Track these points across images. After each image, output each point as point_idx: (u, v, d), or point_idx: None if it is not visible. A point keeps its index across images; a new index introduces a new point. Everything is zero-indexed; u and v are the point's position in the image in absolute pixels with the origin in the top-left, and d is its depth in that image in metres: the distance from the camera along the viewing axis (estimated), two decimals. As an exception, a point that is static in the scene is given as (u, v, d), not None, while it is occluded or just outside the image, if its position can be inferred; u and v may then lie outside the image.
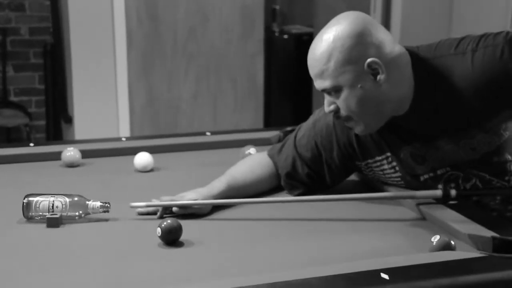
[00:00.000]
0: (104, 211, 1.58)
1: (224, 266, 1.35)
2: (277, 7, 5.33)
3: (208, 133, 2.35)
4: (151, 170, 1.99)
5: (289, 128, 2.14)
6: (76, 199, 1.58)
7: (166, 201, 1.61)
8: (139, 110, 4.06)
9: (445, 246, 1.33)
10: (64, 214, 1.56)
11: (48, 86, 4.53)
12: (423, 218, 1.58)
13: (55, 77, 4.37)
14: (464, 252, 1.32)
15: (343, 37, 1.49)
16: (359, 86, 1.51)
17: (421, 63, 1.56)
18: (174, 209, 1.60)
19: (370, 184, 1.79)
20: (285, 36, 5.20)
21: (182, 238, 1.45)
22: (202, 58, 4.13)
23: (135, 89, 4.03)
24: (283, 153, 1.79)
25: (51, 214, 1.55)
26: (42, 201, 1.56)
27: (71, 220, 1.57)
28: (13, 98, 4.60)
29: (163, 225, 1.44)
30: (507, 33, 1.54)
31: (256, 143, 2.11)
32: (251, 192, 1.74)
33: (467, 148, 1.61)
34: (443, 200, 1.58)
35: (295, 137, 1.78)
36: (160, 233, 1.44)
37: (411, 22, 4.26)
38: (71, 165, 2.03)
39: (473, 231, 1.40)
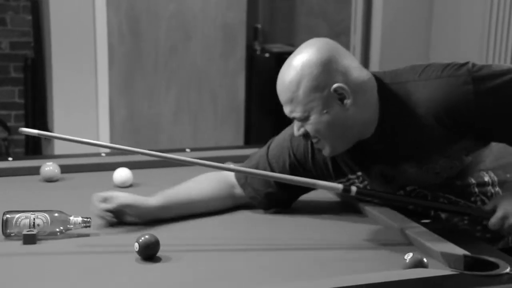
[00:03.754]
0: (86, 226, 1.58)
1: (201, 280, 1.36)
2: (259, 26, 5.37)
3: (188, 150, 2.36)
4: (130, 186, 2.00)
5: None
6: (56, 215, 1.57)
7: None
8: (119, 126, 4.06)
9: (418, 264, 1.35)
10: (46, 230, 1.55)
11: (28, 100, 4.51)
12: (408, 242, 1.60)
13: (35, 91, 4.35)
14: (436, 270, 1.34)
15: (310, 65, 1.53)
16: (326, 111, 1.55)
17: (385, 88, 1.60)
18: (128, 218, 1.62)
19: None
20: (267, 55, 5.24)
21: (159, 253, 1.46)
22: (183, 75, 4.15)
23: (116, 105, 4.04)
24: (252, 160, 1.81)
25: (27, 231, 1.54)
26: (23, 219, 1.54)
27: (52, 236, 1.56)
28: (-8, 112, 4.58)
29: (140, 240, 1.45)
30: (473, 65, 1.56)
31: (236, 160, 2.12)
32: (198, 209, 1.74)
33: (431, 173, 1.64)
34: (343, 194, 1.63)
35: (268, 148, 1.80)
36: (137, 248, 1.44)
37: (391, 44, 4.33)
38: (50, 180, 2.03)
39: (445, 249, 1.43)
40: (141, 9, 3.98)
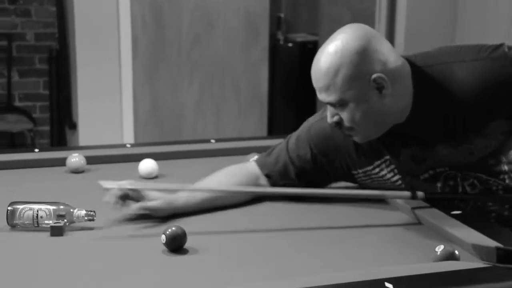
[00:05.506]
0: (89, 220, 1.57)
1: (229, 273, 1.35)
2: (282, 15, 5.34)
3: (212, 140, 2.36)
4: (156, 177, 2.00)
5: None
6: (61, 207, 1.56)
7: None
8: (143, 116, 4.08)
9: (449, 256, 1.33)
10: (49, 222, 1.54)
11: (53, 91, 4.55)
12: (431, 229, 1.58)
13: (60, 83, 4.39)
14: (468, 262, 1.32)
15: (350, 53, 1.51)
16: (364, 100, 1.53)
17: (420, 71, 1.59)
18: (134, 206, 1.60)
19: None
20: (290, 44, 5.21)
21: (187, 245, 1.46)
22: (206, 65, 4.14)
23: (140, 95, 4.05)
24: (272, 156, 1.80)
25: (54, 223, 1.54)
26: (27, 210, 1.54)
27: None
28: (17, 103, 4.62)
29: (167, 232, 1.44)
30: (508, 47, 1.59)
31: (260, 150, 2.10)
32: (226, 203, 1.72)
33: (466, 153, 1.64)
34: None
35: (287, 142, 1.79)
36: (164, 240, 1.44)
37: (416, 31, 4.27)
38: (76, 171, 2.04)
39: (477, 241, 1.41)
40: (164, 0, 3.98)
